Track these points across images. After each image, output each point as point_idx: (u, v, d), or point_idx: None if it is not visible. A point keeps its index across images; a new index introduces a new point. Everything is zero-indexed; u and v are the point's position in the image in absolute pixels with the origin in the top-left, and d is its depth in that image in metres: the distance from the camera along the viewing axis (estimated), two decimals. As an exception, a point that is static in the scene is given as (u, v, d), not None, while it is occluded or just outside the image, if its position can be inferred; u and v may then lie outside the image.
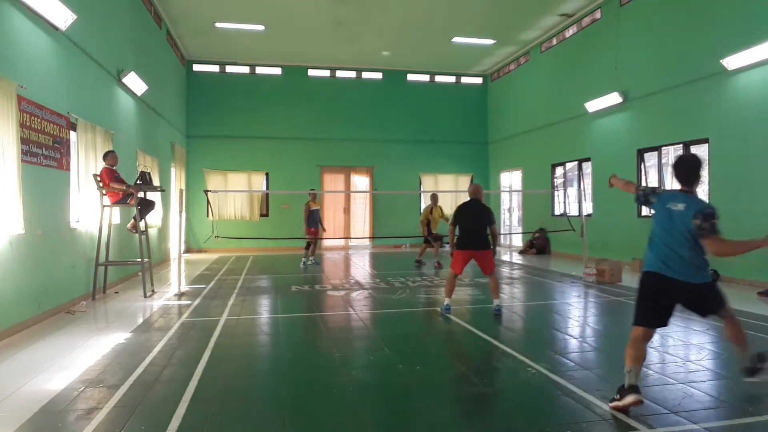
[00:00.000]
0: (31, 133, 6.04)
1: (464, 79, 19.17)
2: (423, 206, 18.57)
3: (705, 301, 3.77)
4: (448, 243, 10.08)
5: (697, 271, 3.70)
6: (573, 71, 14.00)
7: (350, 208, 18.03)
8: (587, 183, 13.56)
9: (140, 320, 6.47)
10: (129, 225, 8.49)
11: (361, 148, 17.92)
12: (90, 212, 7.84)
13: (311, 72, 17.86)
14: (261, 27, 13.97)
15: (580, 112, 13.38)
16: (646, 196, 4.11)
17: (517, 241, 17.52)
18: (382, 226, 17.95)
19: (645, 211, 11.48)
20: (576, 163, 14.02)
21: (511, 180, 18.06)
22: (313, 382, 4.20)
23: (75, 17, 6.82)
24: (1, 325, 5.42)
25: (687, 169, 3.87)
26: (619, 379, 4.13)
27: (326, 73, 18.01)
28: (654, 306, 3.71)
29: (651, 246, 3.87)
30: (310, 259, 12.79)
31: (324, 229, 14.04)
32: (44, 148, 6.38)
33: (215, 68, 17.18)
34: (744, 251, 3.82)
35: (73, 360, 4.75)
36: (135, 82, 10.10)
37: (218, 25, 13.75)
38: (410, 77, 18.63)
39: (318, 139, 17.69)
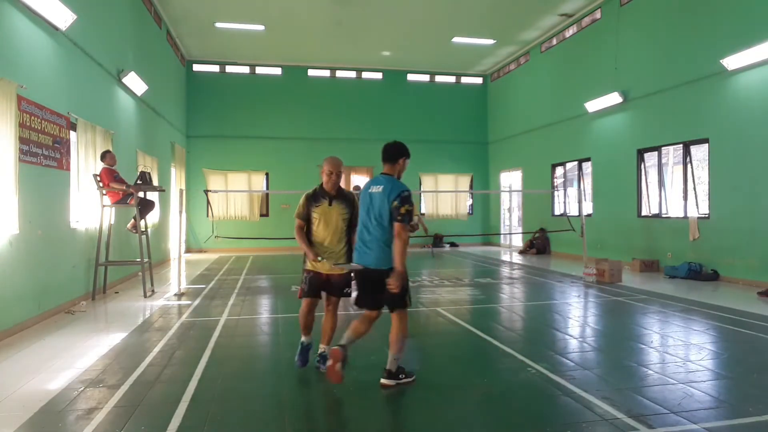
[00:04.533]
0: (31, 133, 6.04)
1: (464, 79, 19.17)
2: (423, 206, 18.61)
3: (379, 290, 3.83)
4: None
5: (382, 258, 3.83)
6: (573, 71, 14.00)
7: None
8: (587, 183, 13.57)
9: (140, 320, 6.47)
10: (129, 225, 8.49)
11: (361, 148, 17.89)
12: (90, 212, 7.84)
13: (311, 72, 17.86)
14: (261, 27, 13.98)
15: (580, 112, 13.38)
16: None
17: (517, 241, 17.53)
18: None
19: (645, 210, 11.50)
20: (576, 163, 14.02)
21: (511, 180, 18.06)
22: (313, 382, 4.20)
23: (75, 17, 6.83)
24: (1, 325, 5.43)
25: (389, 150, 4.05)
26: (619, 379, 4.13)
27: (326, 73, 18.02)
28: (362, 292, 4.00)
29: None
30: None
31: None
32: (44, 148, 6.38)
33: (215, 68, 17.19)
34: (401, 260, 3.76)
35: (73, 360, 4.75)
36: (135, 82, 10.10)
37: (218, 25, 13.75)
38: (410, 77, 18.63)
39: (318, 139, 17.68)
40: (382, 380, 3.96)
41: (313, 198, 4.33)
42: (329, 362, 3.73)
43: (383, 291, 3.79)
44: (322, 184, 4.35)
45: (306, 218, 4.36)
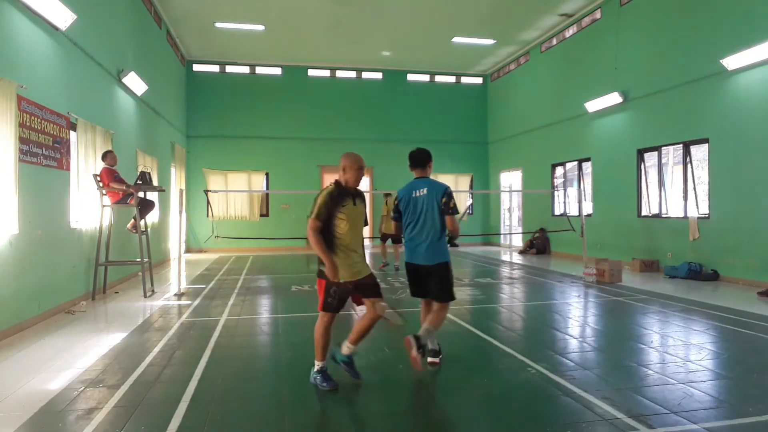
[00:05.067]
0: (31, 133, 6.04)
1: (464, 79, 19.17)
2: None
3: (432, 284, 4.44)
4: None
5: (432, 254, 4.40)
6: (573, 71, 14.00)
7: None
8: (587, 183, 13.57)
9: (140, 320, 6.47)
10: (129, 225, 8.49)
11: (361, 148, 17.78)
12: (90, 212, 7.84)
13: (311, 72, 17.86)
14: (261, 27, 13.98)
15: (580, 112, 13.38)
16: (396, 208, 4.66)
17: (517, 241, 17.52)
18: (382, 226, 17.94)
19: (645, 210, 11.50)
20: (576, 163, 14.02)
21: (511, 180, 18.06)
22: (313, 382, 4.20)
23: (75, 17, 6.83)
24: (1, 325, 5.43)
25: (417, 157, 4.53)
26: (619, 379, 4.14)
27: (326, 73, 18.02)
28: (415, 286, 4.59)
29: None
30: None
31: None
32: (44, 148, 6.38)
33: (215, 68, 17.19)
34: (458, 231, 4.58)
35: (73, 360, 4.75)
36: (135, 82, 10.10)
37: (218, 25, 13.75)
38: (410, 77, 18.63)
39: (318, 139, 17.69)
40: (429, 359, 4.49)
41: (339, 197, 3.88)
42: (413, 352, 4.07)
43: (433, 284, 4.41)
44: (339, 181, 3.98)
45: (326, 220, 3.86)
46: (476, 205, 19.42)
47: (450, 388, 4.12)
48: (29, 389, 3.99)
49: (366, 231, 4.47)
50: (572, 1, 12.68)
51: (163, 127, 13.39)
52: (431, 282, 4.42)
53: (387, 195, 12.49)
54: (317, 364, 4.00)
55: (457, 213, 4.42)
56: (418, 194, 4.43)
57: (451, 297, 4.47)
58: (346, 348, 4.10)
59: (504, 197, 18.61)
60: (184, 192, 9.52)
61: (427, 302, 4.61)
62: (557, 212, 14.91)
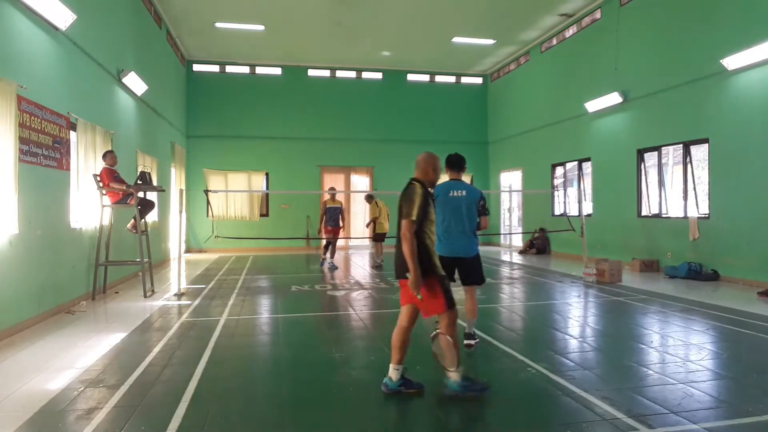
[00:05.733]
0: (31, 133, 6.04)
1: (464, 79, 19.17)
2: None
3: (470, 271, 5.04)
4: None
5: (470, 247, 5.02)
6: (573, 71, 14.00)
7: (350, 208, 18.02)
8: (587, 183, 13.57)
9: (140, 320, 6.46)
10: (129, 225, 8.49)
11: (361, 148, 17.93)
12: (90, 212, 7.84)
13: (311, 72, 17.86)
14: (261, 27, 13.98)
15: (580, 112, 13.38)
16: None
17: (517, 241, 17.52)
18: (382, 226, 17.91)
19: (645, 210, 11.50)
20: (576, 163, 14.02)
21: (511, 180, 18.06)
22: (313, 382, 4.20)
23: (75, 17, 6.83)
24: (1, 325, 5.43)
25: (457, 161, 5.09)
26: (619, 379, 4.14)
27: (326, 73, 18.02)
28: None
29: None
30: (329, 262, 11.85)
31: (342, 227, 12.29)
32: (44, 148, 6.38)
33: (215, 68, 17.19)
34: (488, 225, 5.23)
35: (73, 360, 4.75)
36: (135, 82, 10.10)
37: (218, 25, 13.75)
38: (410, 77, 18.63)
39: (318, 139, 17.69)
40: (466, 341, 5.01)
41: (428, 193, 3.79)
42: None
43: (471, 271, 5.02)
44: (420, 180, 3.91)
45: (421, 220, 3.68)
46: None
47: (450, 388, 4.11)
48: (29, 389, 3.99)
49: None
50: (572, 1, 12.68)
51: (163, 127, 13.39)
52: (468, 270, 5.03)
53: (370, 198, 12.60)
54: (458, 373, 3.75)
55: (489, 214, 5.17)
56: (455, 194, 4.97)
57: (483, 280, 5.19)
58: (400, 368, 3.83)
59: (504, 197, 18.61)
60: (184, 192, 9.52)
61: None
62: (557, 212, 14.91)
